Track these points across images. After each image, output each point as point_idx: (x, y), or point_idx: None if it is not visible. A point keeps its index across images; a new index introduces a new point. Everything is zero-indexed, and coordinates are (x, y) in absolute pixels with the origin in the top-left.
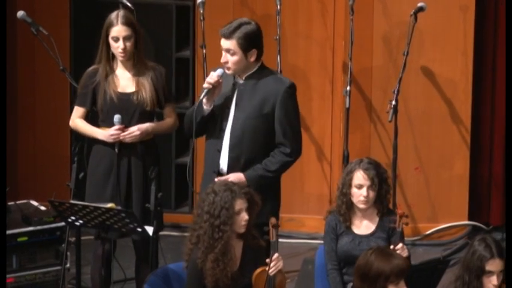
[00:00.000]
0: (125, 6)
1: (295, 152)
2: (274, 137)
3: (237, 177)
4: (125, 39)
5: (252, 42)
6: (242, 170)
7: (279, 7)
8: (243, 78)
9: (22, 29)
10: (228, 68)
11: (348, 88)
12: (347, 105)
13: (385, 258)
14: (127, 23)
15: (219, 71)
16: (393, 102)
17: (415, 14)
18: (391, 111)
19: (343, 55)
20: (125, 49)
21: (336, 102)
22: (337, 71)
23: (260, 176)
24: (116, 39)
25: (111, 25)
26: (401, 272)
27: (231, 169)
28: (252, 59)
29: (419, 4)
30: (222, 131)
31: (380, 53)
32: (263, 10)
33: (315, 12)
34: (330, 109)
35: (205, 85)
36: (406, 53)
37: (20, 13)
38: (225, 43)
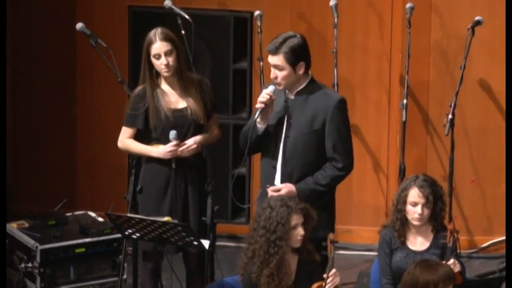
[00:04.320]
0: (183, 19)
1: (347, 167)
2: (325, 152)
3: (288, 189)
4: (166, 54)
5: (298, 55)
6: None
7: (336, 20)
8: (294, 94)
9: (81, 41)
10: (279, 84)
11: (405, 101)
12: (403, 119)
13: (430, 268)
14: (166, 38)
15: (270, 88)
16: (450, 116)
17: (473, 28)
18: (448, 124)
19: (400, 68)
20: (167, 65)
21: (392, 115)
22: (393, 83)
23: (311, 190)
24: (158, 57)
25: (150, 43)
26: (449, 278)
27: None
28: (301, 72)
29: (477, 18)
30: (277, 147)
31: (437, 66)
32: (320, 23)
33: (372, 25)
34: (386, 121)
35: (258, 105)
36: (463, 67)
37: (79, 25)
38: (272, 59)
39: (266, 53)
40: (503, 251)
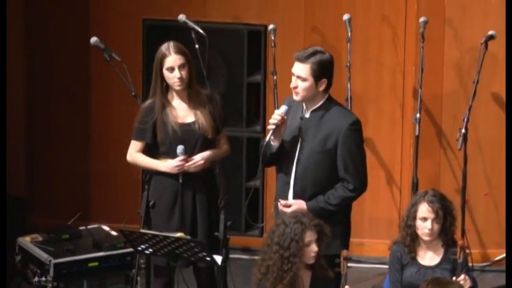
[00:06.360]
0: (197, 32)
1: (358, 188)
2: (337, 171)
3: (299, 206)
4: (180, 67)
5: (324, 71)
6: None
7: (349, 34)
8: (310, 111)
9: (95, 55)
10: (297, 93)
11: (418, 115)
12: (417, 133)
13: (441, 286)
14: (180, 51)
15: (282, 109)
16: (463, 130)
17: (486, 42)
18: (461, 139)
19: (413, 81)
20: (181, 78)
21: (406, 128)
22: (407, 96)
23: (321, 208)
24: (171, 70)
25: (164, 56)
26: None
27: None
28: (321, 88)
29: (490, 32)
30: (291, 164)
31: (450, 80)
32: (334, 37)
33: (386, 39)
34: (399, 135)
35: (270, 126)
36: (476, 81)
37: (93, 39)
38: (298, 66)
39: (281, 67)
40: None
